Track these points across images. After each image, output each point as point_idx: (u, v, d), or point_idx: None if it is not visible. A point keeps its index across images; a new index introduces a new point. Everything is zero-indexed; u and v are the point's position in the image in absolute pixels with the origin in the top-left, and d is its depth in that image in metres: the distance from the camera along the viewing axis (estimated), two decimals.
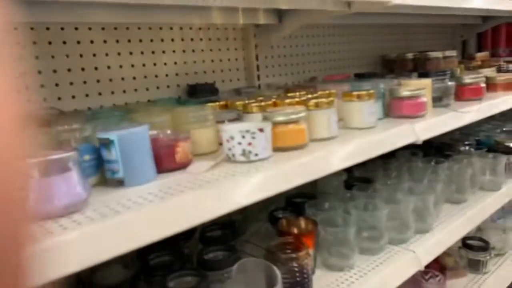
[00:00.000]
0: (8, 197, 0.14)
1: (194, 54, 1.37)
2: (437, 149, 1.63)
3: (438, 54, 1.70)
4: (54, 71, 1.07)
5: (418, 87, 1.21)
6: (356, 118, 1.08)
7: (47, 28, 1.05)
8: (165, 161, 0.78)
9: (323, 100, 0.98)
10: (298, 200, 1.18)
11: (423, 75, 1.52)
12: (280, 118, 0.88)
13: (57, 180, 0.60)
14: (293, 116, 0.89)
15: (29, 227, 0.15)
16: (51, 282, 0.50)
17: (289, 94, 1.17)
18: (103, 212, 0.61)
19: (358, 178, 1.36)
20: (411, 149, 1.48)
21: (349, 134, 1.02)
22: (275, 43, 1.60)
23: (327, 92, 1.16)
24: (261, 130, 0.81)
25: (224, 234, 1.04)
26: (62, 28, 1.07)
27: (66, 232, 0.55)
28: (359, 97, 1.06)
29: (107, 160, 0.72)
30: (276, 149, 0.87)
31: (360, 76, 1.70)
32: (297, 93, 1.17)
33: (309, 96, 1.10)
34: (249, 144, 0.81)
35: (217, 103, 1.10)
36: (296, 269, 0.87)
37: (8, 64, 0.16)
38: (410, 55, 1.80)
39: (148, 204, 0.62)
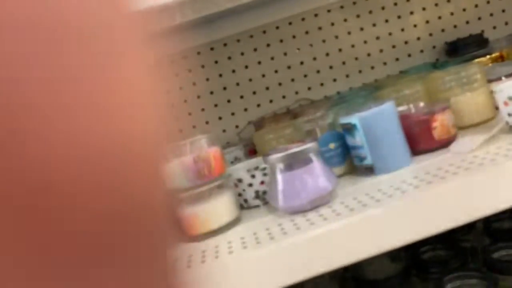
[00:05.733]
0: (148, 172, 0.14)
1: (450, 4, 1.13)
2: None
3: None
4: (301, 63, 1.09)
5: None
6: None
7: (289, 23, 1.09)
8: (420, 140, 0.65)
9: None
10: None
11: None
12: None
13: (299, 173, 0.58)
14: None
15: (166, 199, 0.16)
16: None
17: None
18: (351, 205, 0.55)
19: None
20: None
21: None
22: None
23: None
24: None
25: None
26: (302, 19, 1.09)
27: (314, 228, 0.52)
28: None
29: (353, 146, 0.66)
30: None
31: None
32: None
33: None
34: None
35: (488, 57, 0.86)
36: None
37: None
38: None
39: (400, 196, 0.52)
